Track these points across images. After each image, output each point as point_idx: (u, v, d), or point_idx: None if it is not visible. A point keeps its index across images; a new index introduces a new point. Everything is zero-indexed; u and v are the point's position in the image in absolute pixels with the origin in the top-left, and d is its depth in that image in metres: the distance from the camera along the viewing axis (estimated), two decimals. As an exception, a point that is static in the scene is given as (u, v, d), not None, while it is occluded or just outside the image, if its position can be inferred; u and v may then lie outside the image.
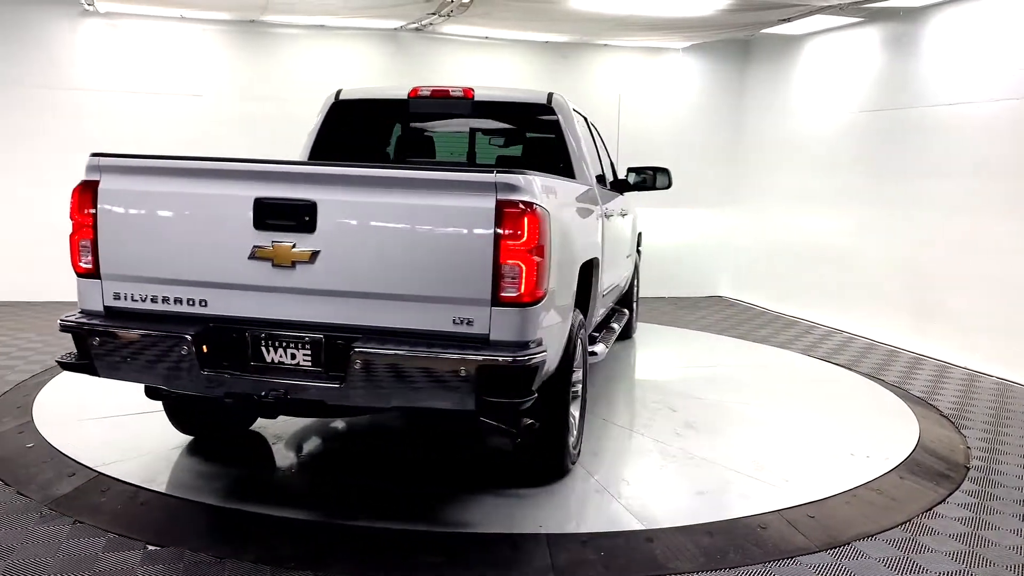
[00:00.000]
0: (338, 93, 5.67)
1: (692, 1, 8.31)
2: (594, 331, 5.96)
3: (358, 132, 5.75)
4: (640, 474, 4.72)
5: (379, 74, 10.13)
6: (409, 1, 8.63)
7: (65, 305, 3.96)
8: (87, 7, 9.18)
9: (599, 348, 5.42)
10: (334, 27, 10.11)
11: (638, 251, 8.34)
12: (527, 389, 3.50)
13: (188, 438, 4.84)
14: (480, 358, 3.37)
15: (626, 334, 8.02)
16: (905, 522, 4.19)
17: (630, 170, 6.73)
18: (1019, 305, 7.23)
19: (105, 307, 3.84)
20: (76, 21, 9.43)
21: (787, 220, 10.72)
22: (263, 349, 3.67)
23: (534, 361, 3.44)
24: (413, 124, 5.87)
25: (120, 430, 5.06)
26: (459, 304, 3.46)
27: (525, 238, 3.42)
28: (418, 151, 5.90)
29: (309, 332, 3.62)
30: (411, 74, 10.22)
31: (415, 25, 9.90)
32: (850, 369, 7.44)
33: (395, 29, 10.22)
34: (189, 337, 3.61)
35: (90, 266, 3.83)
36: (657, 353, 8.02)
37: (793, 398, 6.45)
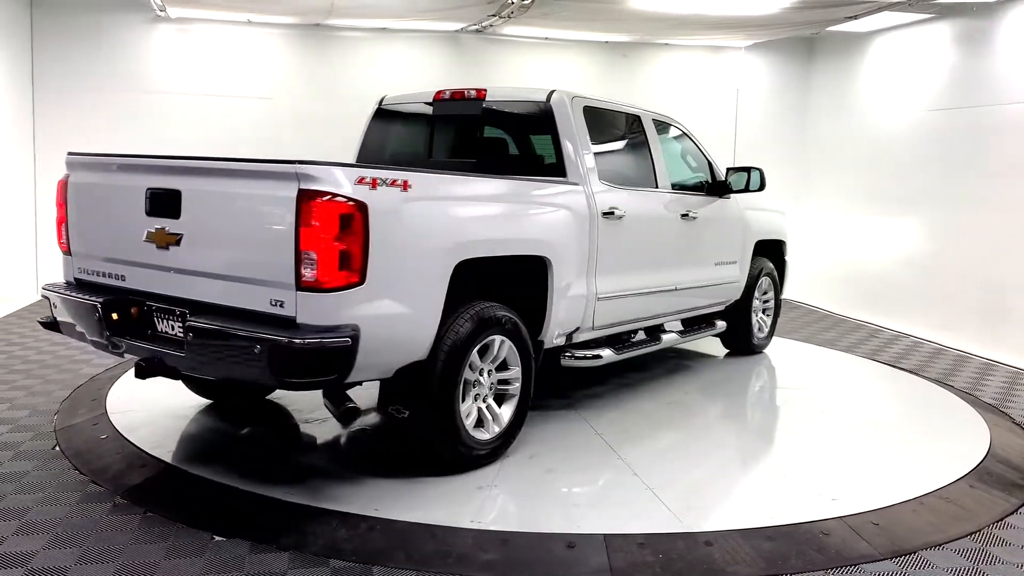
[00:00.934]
0: (382, 99, 6.07)
1: (756, -1, 8.21)
2: (630, 335, 6.01)
3: (398, 134, 6.10)
4: (541, 482, 4.42)
5: (440, 76, 10.22)
6: (470, 3, 8.69)
7: (138, 301, 4.18)
8: (159, 13, 9.48)
9: (605, 353, 5.48)
10: (396, 30, 10.25)
11: (778, 263, 7.74)
12: (322, 371, 3.67)
13: (257, 433, 4.96)
14: (270, 337, 3.59)
15: (740, 349, 7.55)
16: (975, 532, 4.07)
17: (728, 171, 6.63)
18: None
19: (74, 278, 4.64)
20: (149, 27, 9.75)
21: (852, 221, 10.50)
22: (155, 319, 4.20)
23: (328, 345, 3.61)
24: (439, 125, 5.98)
25: (189, 423, 5.23)
26: (273, 287, 3.74)
27: (321, 226, 3.61)
28: (443, 151, 5.99)
29: (179, 306, 4.06)
30: (472, 75, 10.32)
31: (476, 27, 9.97)
32: (917, 374, 7.24)
33: (456, 31, 10.31)
34: (98, 305, 4.22)
35: (65, 245, 4.68)
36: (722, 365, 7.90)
37: (846, 408, 6.29)
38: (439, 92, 5.74)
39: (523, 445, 4.89)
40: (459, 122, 5.92)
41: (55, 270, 5.07)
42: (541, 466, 4.64)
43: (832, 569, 3.63)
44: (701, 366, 7.26)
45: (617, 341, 5.81)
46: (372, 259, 3.76)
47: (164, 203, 4.07)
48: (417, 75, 10.14)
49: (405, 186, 3.95)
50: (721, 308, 7.08)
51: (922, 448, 5.33)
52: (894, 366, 7.56)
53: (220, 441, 4.94)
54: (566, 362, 5.37)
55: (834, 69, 10.88)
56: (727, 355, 7.64)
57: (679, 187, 6.29)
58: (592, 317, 5.28)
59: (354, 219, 3.67)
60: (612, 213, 5.30)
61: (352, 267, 3.70)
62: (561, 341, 5.21)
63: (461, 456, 4.42)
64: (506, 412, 4.67)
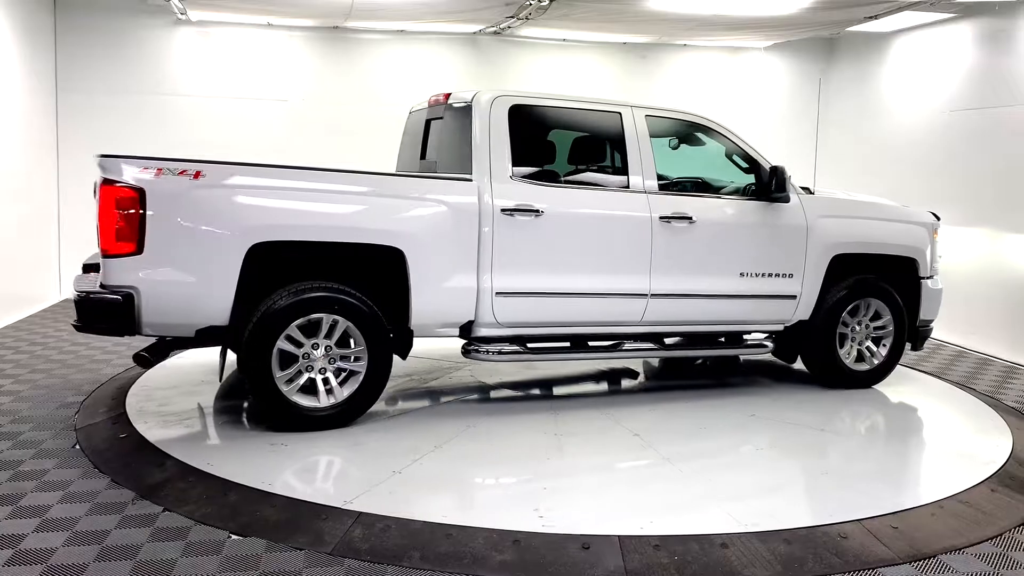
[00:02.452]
0: (412, 107, 6.57)
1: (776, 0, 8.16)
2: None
3: (412, 137, 6.46)
4: (333, 445, 4.85)
5: (459, 78, 10.25)
6: (488, 5, 8.70)
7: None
8: (180, 16, 9.56)
9: (507, 348, 5.51)
10: (414, 32, 10.27)
11: (907, 284, 6.61)
12: (106, 321, 4.66)
13: (275, 435, 4.99)
14: (76, 292, 4.74)
15: (826, 379, 6.51)
16: (996, 536, 4.03)
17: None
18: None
19: None
20: (170, 30, 9.84)
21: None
22: None
23: (102, 301, 4.60)
24: (431, 128, 6.15)
25: (208, 422, 5.28)
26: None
27: (105, 205, 4.57)
28: (429, 151, 6.18)
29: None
30: (490, 77, 10.34)
31: (493, 29, 9.98)
32: (939, 377, 7.17)
33: (474, 33, 10.33)
34: (82, 266, 5.36)
35: None
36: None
37: (866, 411, 6.23)
38: (431, 97, 6.11)
39: (394, 423, 5.31)
40: (435, 125, 6.07)
41: (78, 271, 5.44)
42: (358, 437, 4.99)
43: (850, 573, 3.61)
44: (752, 388, 6.56)
45: (579, 343, 5.80)
46: (150, 234, 4.58)
47: (95, 190, 4.95)
48: (435, 77, 10.15)
49: (196, 175, 4.68)
50: (771, 327, 6.29)
51: (943, 451, 5.29)
52: (916, 369, 7.48)
53: (238, 440, 4.97)
54: (471, 356, 5.52)
55: (854, 70, 10.80)
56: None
57: (691, 188, 6.09)
58: (491, 312, 5.36)
59: (130, 201, 4.54)
60: (523, 210, 5.35)
61: (129, 239, 4.56)
62: (450, 332, 5.45)
63: (287, 417, 4.98)
64: (347, 388, 5.08)
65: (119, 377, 6.23)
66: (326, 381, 5.05)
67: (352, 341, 5.07)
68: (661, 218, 5.73)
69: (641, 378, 6.90)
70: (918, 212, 6.78)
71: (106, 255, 4.62)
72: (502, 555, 3.64)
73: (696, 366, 7.21)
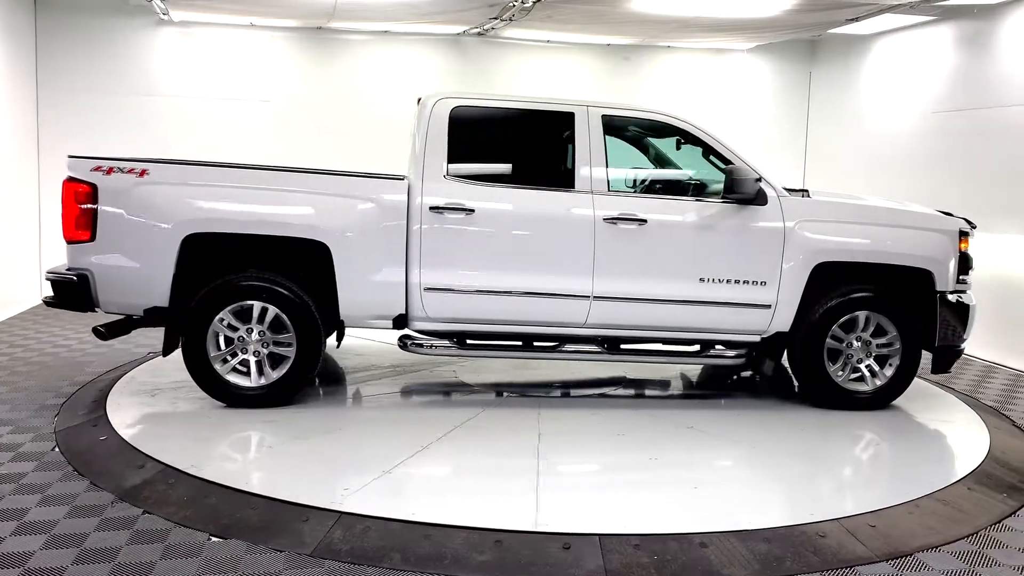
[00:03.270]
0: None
1: (758, 1, 8.20)
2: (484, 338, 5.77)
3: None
4: (243, 421, 5.25)
5: (443, 79, 10.25)
6: (472, 6, 8.71)
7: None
8: (163, 17, 9.52)
9: (440, 343, 5.72)
10: (398, 33, 10.27)
11: (875, 293, 5.82)
12: (67, 298, 5.30)
13: (250, 433, 5.02)
14: (47, 273, 5.41)
15: (817, 398, 5.96)
16: (972, 534, 4.07)
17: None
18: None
19: None
20: (153, 30, 9.79)
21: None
22: None
23: (60, 280, 5.27)
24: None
25: (188, 424, 5.24)
26: None
27: (66, 199, 5.25)
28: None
29: None
30: (474, 78, 10.35)
31: (477, 30, 9.98)
32: (918, 376, 7.18)
33: (458, 34, 10.33)
34: None
35: None
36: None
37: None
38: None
39: (326, 408, 5.77)
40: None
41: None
42: (283, 415, 5.32)
43: (828, 571, 3.64)
44: (722, 402, 6.37)
45: (528, 342, 5.81)
46: (101, 224, 5.23)
47: None
48: (419, 79, 10.15)
49: (142, 173, 5.27)
50: (743, 337, 5.88)
51: (921, 450, 5.33)
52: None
53: (218, 442, 4.95)
54: (409, 349, 5.77)
55: (836, 71, 10.87)
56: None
57: (651, 189, 6.06)
58: (421, 307, 5.55)
59: (85, 195, 5.21)
60: (454, 208, 5.47)
61: (84, 228, 5.22)
62: (383, 324, 5.64)
63: (219, 393, 5.45)
64: (278, 370, 5.44)
65: (100, 379, 6.20)
66: (259, 363, 5.43)
67: (286, 328, 5.42)
68: (606, 219, 5.58)
69: (669, 387, 6.69)
70: (940, 219, 6.10)
71: (67, 242, 5.29)
72: (482, 555, 3.64)
73: (742, 380, 6.94)
